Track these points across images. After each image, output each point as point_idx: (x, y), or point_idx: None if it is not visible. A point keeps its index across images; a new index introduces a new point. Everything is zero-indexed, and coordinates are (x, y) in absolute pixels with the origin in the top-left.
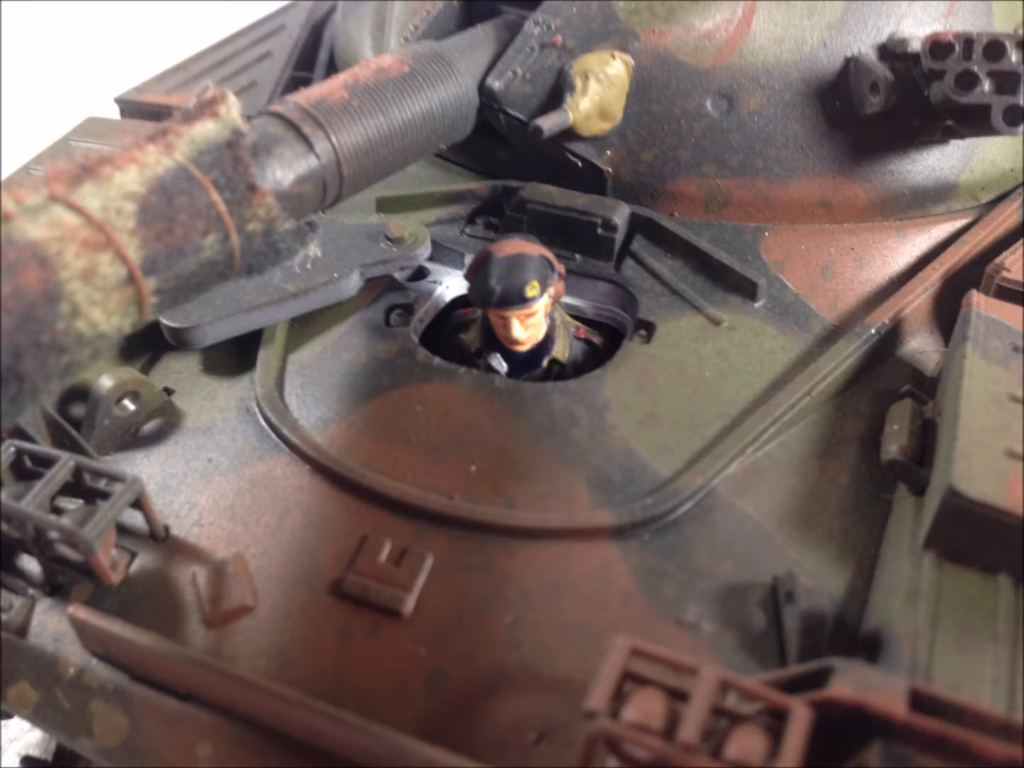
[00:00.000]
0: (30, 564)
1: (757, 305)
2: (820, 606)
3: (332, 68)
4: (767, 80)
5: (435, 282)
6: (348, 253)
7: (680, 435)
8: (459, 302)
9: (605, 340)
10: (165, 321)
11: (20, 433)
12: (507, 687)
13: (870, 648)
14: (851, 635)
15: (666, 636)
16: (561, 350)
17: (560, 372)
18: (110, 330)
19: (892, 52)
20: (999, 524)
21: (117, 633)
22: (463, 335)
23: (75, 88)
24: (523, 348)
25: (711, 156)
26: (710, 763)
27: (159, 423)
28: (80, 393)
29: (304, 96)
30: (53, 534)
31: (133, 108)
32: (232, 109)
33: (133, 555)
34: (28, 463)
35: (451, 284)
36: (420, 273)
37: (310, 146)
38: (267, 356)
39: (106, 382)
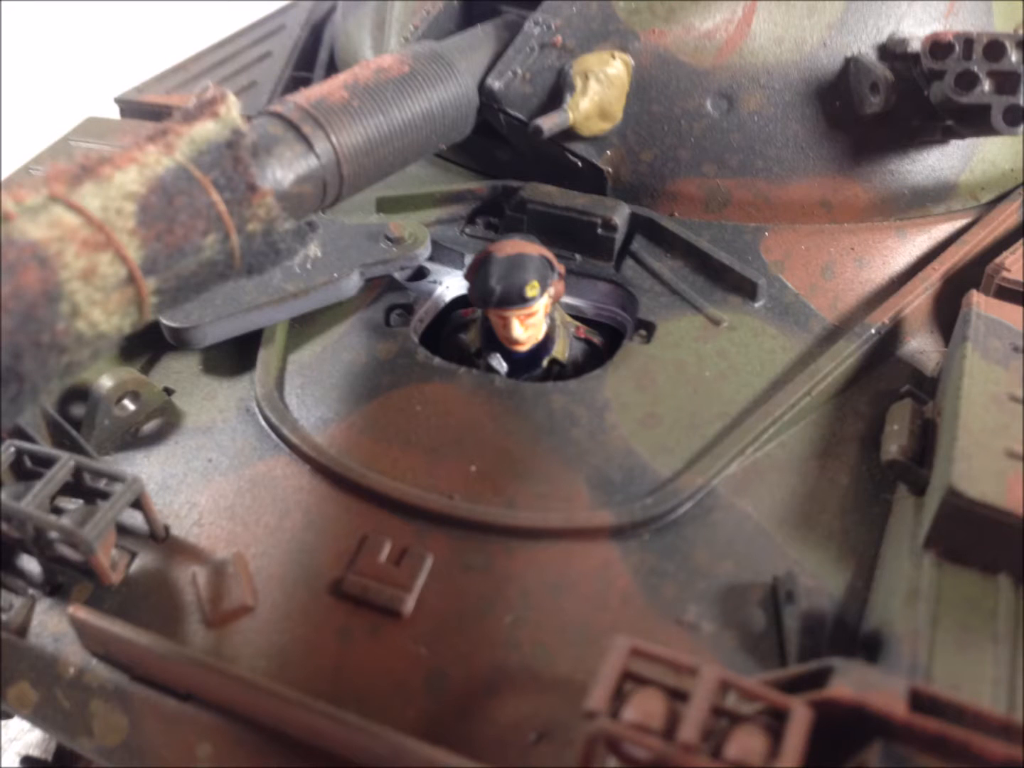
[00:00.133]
0: (30, 564)
1: (757, 305)
2: (820, 606)
3: (332, 68)
4: (767, 80)
5: (435, 282)
6: (348, 253)
7: (680, 435)
8: (459, 302)
9: (605, 340)
10: (165, 321)
11: (20, 433)
12: (507, 687)
13: (870, 648)
14: (851, 635)
15: (666, 636)
16: (561, 350)
17: (560, 372)
18: (110, 330)
19: (892, 52)
20: (999, 524)
21: (117, 633)
22: (463, 335)
23: (75, 88)
24: (523, 348)
25: (711, 156)
26: (710, 763)
27: (159, 423)
28: (80, 393)
29: (304, 96)
30: (53, 534)
31: (133, 108)
32: (232, 109)
33: (133, 555)
34: (28, 463)
35: (451, 284)
36: (420, 273)
37: (310, 146)
38: (267, 356)
39: (106, 382)
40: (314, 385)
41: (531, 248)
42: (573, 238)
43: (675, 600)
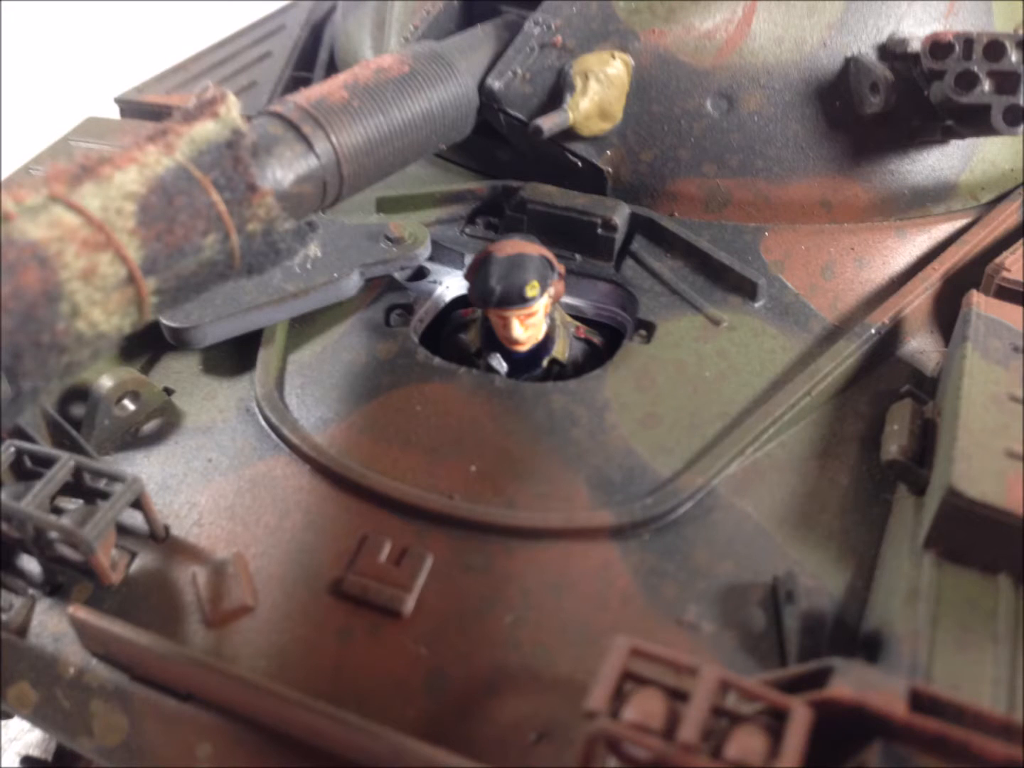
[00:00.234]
0: (30, 564)
1: (757, 305)
2: (820, 606)
3: (332, 68)
4: (767, 80)
5: (435, 282)
6: (348, 253)
7: (680, 435)
8: (459, 302)
9: (605, 340)
10: (165, 321)
11: (20, 433)
12: (507, 687)
13: (870, 648)
14: (851, 635)
15: (666, 636)
16: (561, 350)
17: (560, 372)
18: (110, 330)
19: (892, 52)
20: (999, 524)
21: (117, 633)
22: (463, 335)
23: (75, 88)
24: (523, 348)
25: (711, 156)
26: (710, 763)
27: (159, 423)
28: (80, 393)
29: (304, 96)
30: (53, 534)
31: (133, 108)
32: (232, 109)
33: (133, 555)
34: (28, 463)
35: (451, 284)
36: (420, 273)
37: (310, 146)
38: (267, 356)
39: (106, 382)
40: (314, 385)
41: (531, 248)
42: (573, 238)
43: (675, 600)
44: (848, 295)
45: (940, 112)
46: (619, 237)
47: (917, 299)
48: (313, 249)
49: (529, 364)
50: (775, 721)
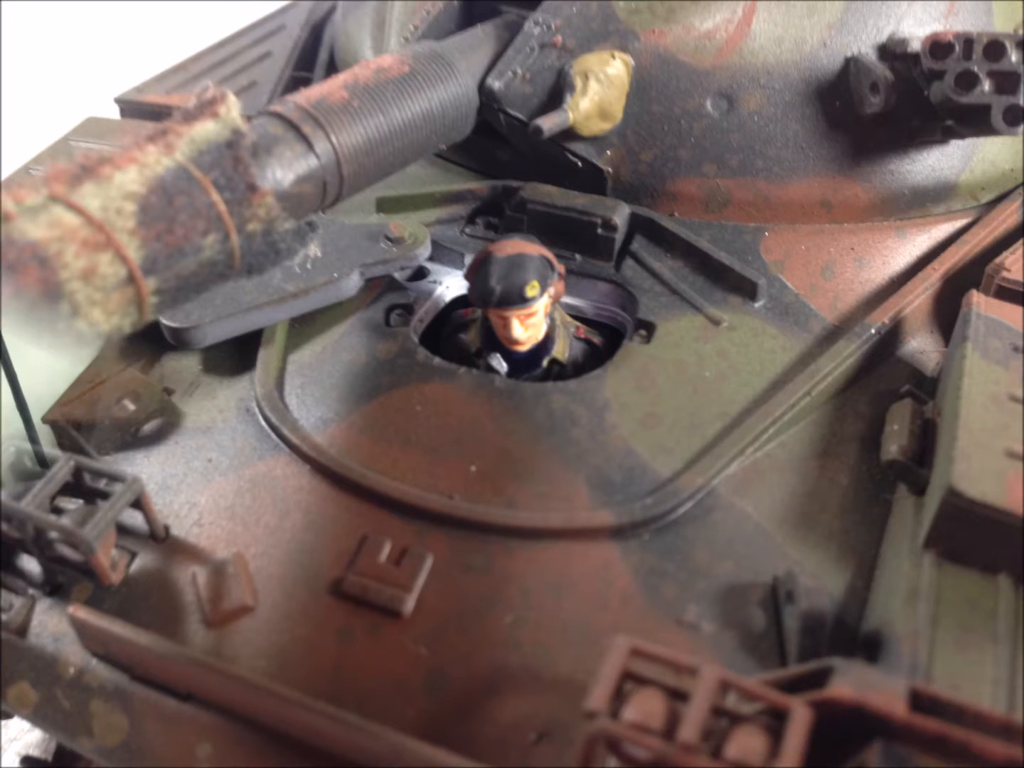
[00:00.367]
0: (30, 564)
1: (757, 305)
2: (820, 606)
3: (332, 68)
4: (767, 80)
5: (435, 282)
6: (348, 253)
7: (680, 435)
8: (459, 302)
9: (605, 340)
10: (165, 321)
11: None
12: (507, 687)
13: (870, 648)
14: (851, 635)
15: (666, 636)
16: (561, 350)
17: (560, 372)
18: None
19: (892, 52)
20: (999, 524)
21: (117, 633)
22: (463, 335)
23: (75, 88)
24: (523, 348)
25: (711, 156)
26: (710, 763)
27: (159, 423)
28: None
29: (304, 96)
30: (53, 534)
31: (133, 108)
32: (232, 109)
33: (133, 555)
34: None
35: (451, 284)
36: (420, 273)
37: (310, 146)
38: (267, 356)
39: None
40: (314, 385)
41: (531, 248)
42: (573, 238)
43: (675, 600)
44: (848, 295)
45: (940, 112)
46: (619, 237)
47: (917, 299)
48: (313, 249)
49: (529, 364)
50: (775, 721)
